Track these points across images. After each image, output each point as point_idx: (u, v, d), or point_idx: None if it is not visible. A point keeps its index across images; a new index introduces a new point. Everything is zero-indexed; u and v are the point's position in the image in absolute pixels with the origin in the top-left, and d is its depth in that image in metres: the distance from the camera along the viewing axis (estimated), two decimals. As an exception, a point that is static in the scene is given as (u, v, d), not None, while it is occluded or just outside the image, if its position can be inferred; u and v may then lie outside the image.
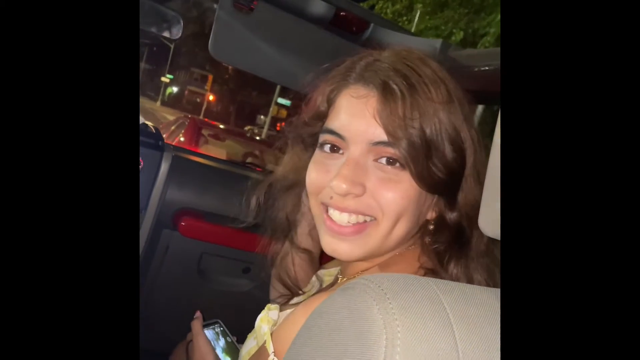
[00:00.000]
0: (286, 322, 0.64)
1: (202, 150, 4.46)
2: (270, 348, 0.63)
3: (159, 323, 1.26)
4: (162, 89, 32.35)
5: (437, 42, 1.05)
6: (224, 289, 1.46)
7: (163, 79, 31.60)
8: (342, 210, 0.62)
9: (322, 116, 0.67)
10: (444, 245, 0.63)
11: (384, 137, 0.59)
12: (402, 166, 0.60)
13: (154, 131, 1.35)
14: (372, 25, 1.14)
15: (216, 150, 4.68)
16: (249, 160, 4.12)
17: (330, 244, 0.64)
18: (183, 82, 35.13)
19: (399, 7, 11.43)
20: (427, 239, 0.66)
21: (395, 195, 0.60)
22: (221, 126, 6.62)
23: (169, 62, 31.05)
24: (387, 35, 1.15)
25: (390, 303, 0.36)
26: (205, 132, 5.30)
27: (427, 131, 0.59)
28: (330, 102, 0.67)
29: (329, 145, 0.64)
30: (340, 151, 0.64)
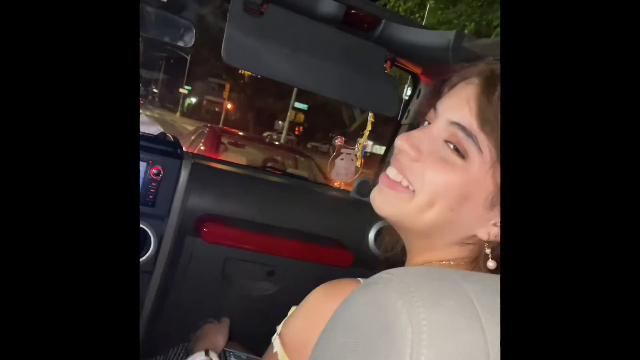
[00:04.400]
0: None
1: (222, 157, 4.50)
2: (278, 329, 0.68)
3: (187, 330, 1.27)
4: (181, 101, 32.88)
5: (451, 34, 1.03)
6: (249, 293, 1.47)
7: (181, 90, 32.12)
8: (393, 165, 0.65)
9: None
10: (487, 271, 0.62)
11: (461, 120, 0.59)
12: (463, 157, 0.59)
13: (173, 140, 1.36)
14: (383, 21, 1.13)
15: (236, 157, 4.72)
16: (269, 164, 4.14)
17: (372, 192, 0.67)
18: (201, 92, 35.62)
19: (410, 4, 11.35)
20: (481, 261, 0.63)
21: (439, 177, 0.59)
22: (240, 133, 6.67)
23: (186, 73, 31.56)
24: (399, 31, 1.13)
25: (414, 296, 0.35)
26: (224, 139, 5.35)
27: None
28: (451, 88, 0.68)
29: (427, 122, 0.66)
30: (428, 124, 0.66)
